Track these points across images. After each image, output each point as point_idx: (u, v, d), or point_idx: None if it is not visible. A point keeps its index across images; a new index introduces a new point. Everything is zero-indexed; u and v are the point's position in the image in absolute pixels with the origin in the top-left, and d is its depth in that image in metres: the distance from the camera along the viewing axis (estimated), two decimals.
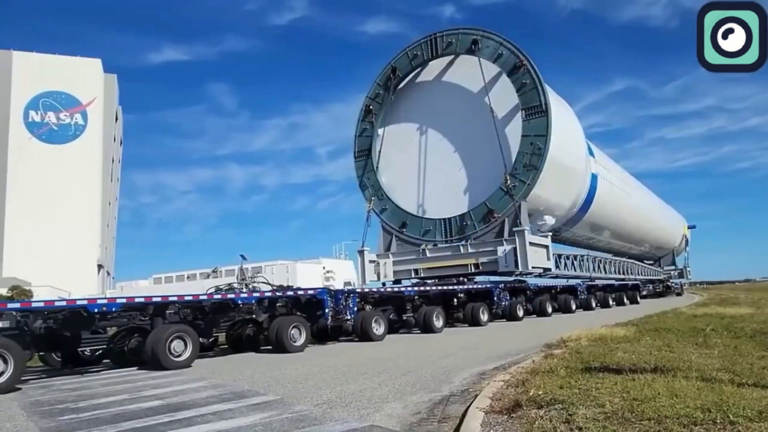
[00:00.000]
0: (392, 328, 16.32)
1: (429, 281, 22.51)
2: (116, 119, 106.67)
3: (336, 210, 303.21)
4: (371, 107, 26.60)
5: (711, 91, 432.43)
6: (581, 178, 26.88)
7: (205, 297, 12.40)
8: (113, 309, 10.39)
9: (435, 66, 25.73)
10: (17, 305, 9.28)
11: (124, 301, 10.90)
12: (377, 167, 26.05)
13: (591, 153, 29.37)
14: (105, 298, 10.85)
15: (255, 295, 13.47)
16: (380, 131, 26.42)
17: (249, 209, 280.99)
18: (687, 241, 56.60)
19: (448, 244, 23.78)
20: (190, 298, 11.94)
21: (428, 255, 24.07)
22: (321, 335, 14.92)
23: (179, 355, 10.42)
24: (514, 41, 23.27)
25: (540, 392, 5.18)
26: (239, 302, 12.81)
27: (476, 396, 5.85)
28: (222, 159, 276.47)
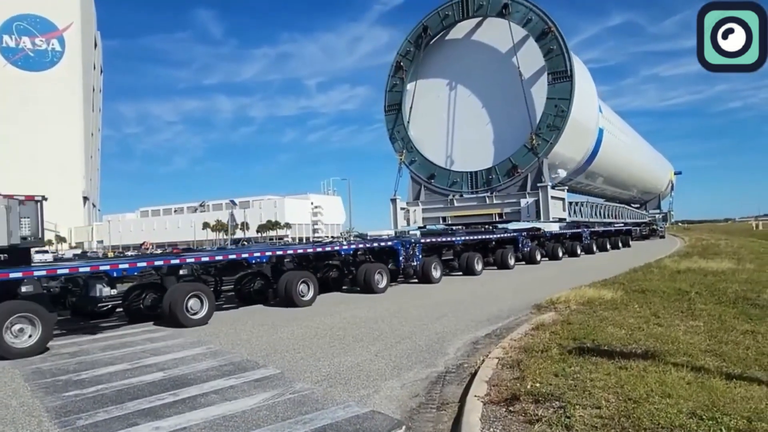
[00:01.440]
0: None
1: (458, 228, 24.60)
2: (95, 46, 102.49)
3: (325, 143, 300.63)
4: (402, 64, 28.34)
5: None
6: (592, 133, 29.16)
7: (312, 249, 15.02)
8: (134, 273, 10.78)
9: (464, 25, 27.24)
10: (43, 272, 9.32)
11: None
12: (408, 122, 28.04)
13: (599, 109, 31.07)
14: (126, 262, 10.79)
15: (352, 246, 15.94)
16: (410, 86, 28.19)
17: (237, 141, 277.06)
18: (672, 186, 61.10)
19: (474, 195, 26.44)
20: (302, 251, 14.69)
21: (456, 204, 26.77)
22: (393, 277, 16.69)
23: (195, 313, 10.73)
24: (543, 7, 24.90)
25: (537, 383, 5.34)
26: (342, 253, 15.46)
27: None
28: (209, 89, 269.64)
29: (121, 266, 10.25)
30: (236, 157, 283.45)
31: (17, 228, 9.56)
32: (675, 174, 59.98)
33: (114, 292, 10.26)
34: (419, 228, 26.54)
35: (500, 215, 25.55)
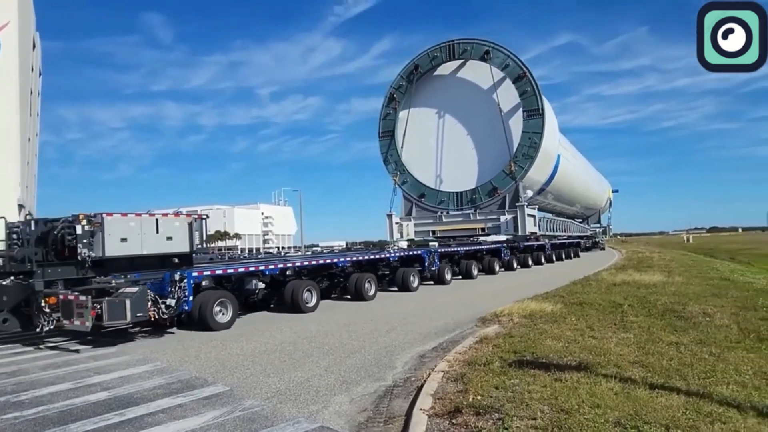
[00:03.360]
0: None
1: (444, 240, 28.83)
2: (34, 47, 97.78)
3: (277, 153, 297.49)
4: (395, 95, 32.76)
5: (648, 50, 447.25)
6: (553, 159, 34.05)
7: (371, 256, 18.60)
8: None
9: (450, 65, 32.03)
10: (232, 270, 13.18)
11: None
12: (401, 146, 32.15)
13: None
14: (271, 263, 14.76)
15: (398, 254, 19.95)
16: (402, 115, 32.50)
17: (186, 149, 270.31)
18: (611, 202, 67.49)
19: (460, 212, 31.05)
20: (366, 257, 18.22)
21: (444, 220, 31.18)
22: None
23: (308, 303, 14.22)
24: (518, 56, 30.22)
25: (478, 396, 5.64)
26: (391, 259, 19.16)
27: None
28: (157, 95, 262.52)
29: (269, 267, 14.14)
30: (184, 165, 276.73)
31: (193, 239, 12.61)
32: (612, 192, 66.68)
33: (263, 285, 14.08)
34: (407, 240, 29.71)
35: (483, 229, 29.85)
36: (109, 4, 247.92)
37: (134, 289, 10.38)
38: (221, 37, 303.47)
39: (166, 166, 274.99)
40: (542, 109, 29.25)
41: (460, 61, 31.55)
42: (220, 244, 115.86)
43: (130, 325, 11.47)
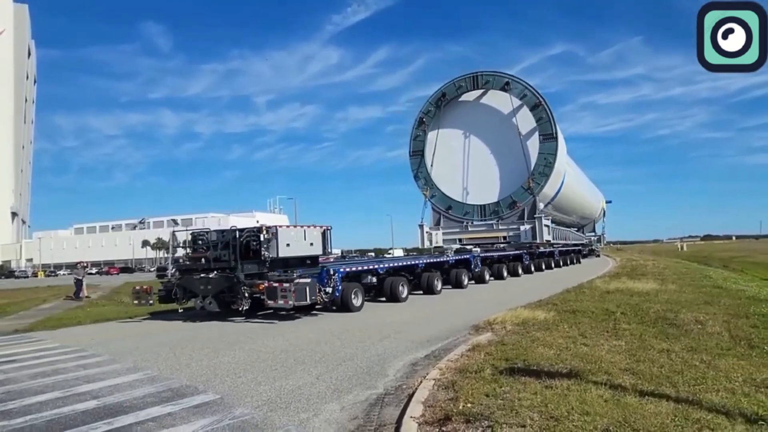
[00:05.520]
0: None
1: (471, 247, 32.14)
2: (29, 55, 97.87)
3: (273, 161, 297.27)
4: (424, 119, 36.64)
5: (642, 60, 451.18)
6: (561, 175, 37.70)
7: (438, 259, 23.27)
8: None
9: (474, 93, 36.10)
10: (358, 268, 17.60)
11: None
12: (431, 164, 35.91)
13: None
14: (383, 263, 20.04)
15: (467, 255, 24.84)
16: (431, 135, 36.29)
17: (182, 157, 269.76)
18: (605, 212, 70.61)
19: (483, 222, 35.12)
20: (434, 260, 22.68)
21: (469, 229, 35.21)
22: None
23: (402, 293, 18.46)
24: (535, 87, 34.43)
25: (469, 404, 5.63)
26: (450, 262, 23.39)
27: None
28: (154, 103, 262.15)
29: (381, 266, 18.58)
30: (180, 173, 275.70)
31: (325, 245, 16.56)
32: (606, 203, 70.84)
33: (375, 281, 17.98)
34: (435, 248, 34.49)
35: (504, 238, 33.82)
36: (107, 12, 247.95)
37: (307, 280, 14.11)
38: (219, 45, 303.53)
39: (161, 174, 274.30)
40: (556, 134, 33.29)
41: (483, 90, 35.48)
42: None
43: (291, 308, 14.22)
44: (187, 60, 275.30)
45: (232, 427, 5.66)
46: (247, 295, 14.13)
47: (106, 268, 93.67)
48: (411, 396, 6.43)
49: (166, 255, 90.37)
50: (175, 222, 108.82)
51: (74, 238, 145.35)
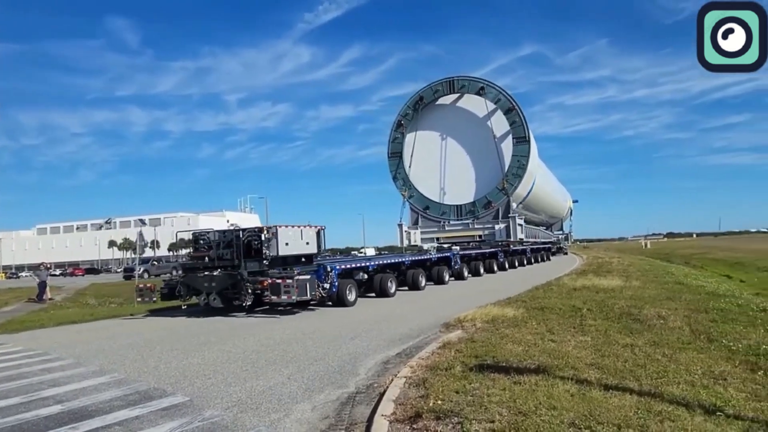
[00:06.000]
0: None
1: (450, 245, 33.40)
2: None
3: (244, 160, 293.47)
4: (402, 122, 37.60)
5: (608, 62, 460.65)
6: (533, 177, 38.77)
7: (419, 257, 24.12)
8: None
9: (450, 96, 37.16)
10: (351, 266, 18.33)
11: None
12: (410, 166, 36.85)
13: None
14: (372, 260, 20.43)
15: (448, 253, 26.34)
16: (409, 137, 37.19)
17: (150, 155, 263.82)
18: (571, 212, 72.48)
19: (460, 222, 35.95)
20: (417, 258, 23.54)
21: (446, 228, 36.02)
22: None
23: (391, 289, 19.32)
24: (509, 92, 35.86)
25: (439, 401, 5.70)
26: (433, 258, 24.55)
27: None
28: (122, 101, 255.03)
29: (370, 263, 19.30)
30: (149, 172, 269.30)
31: (319, 244, 17.65)
32: (573, 202, 73.28)
33: (366, 277, 18.68)
34: (410, 246, 35.70)
35: (480, 237, 34.99)
36: (71, 6, 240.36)
37: (307, 277, 14.97)
38: (189, 42, 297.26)
39: (129, 173, 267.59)
40: (528, 137, 34.63)
41: (459, 94, 36.72)
42: (184, 252, 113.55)
43: (294, 303, 15.33)
44: (156, 57, 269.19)
45: (201, 429, 5.61)
46: (250, 291, 15.06)
47: (71, 269, 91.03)
48: (382, 394, 6.48)
49: (133, 255, 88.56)
50: (142, 222, 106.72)
51: (37, 239, 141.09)
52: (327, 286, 15.71)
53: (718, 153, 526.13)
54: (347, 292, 16.66)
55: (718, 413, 5.13)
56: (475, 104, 36.15)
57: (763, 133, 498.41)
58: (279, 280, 14.63)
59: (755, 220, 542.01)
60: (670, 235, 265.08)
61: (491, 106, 35.27)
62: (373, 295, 19.21)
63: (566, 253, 60.48)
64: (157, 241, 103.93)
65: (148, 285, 17.60)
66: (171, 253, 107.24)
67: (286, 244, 16.04)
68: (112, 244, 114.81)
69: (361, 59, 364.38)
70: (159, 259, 62.14)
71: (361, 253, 66.86)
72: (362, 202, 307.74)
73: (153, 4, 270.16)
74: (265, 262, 15.72)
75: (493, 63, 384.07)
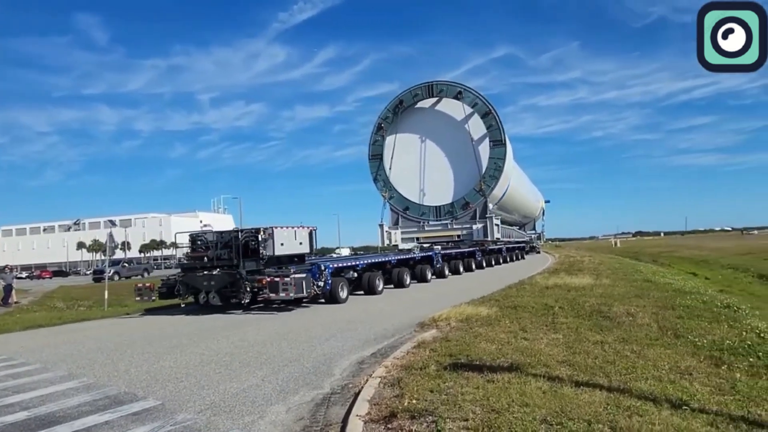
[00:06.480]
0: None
1: (429, 245, 34.42)
2: None
3: (217, 160, 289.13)
4: (382, 125, 38.35)
5: (578, 64, 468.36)
6: (509, 178, 39.87)
7: (402, 256, 25.46)
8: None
9: (429, 100, 38.25)
10: (342, 264, 19.17)
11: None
12: (390, 168, 37.59)
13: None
14: (359, 260, 21.05)
15: (430, 253, 27.34)
16: (389, 140, 38.03)
17: (120, 155, 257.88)
18: (544, 211, 74.32)
19: (439, 222, 36.84)
20: (402, 257, 24.95)
21: (426, 228, 36.96)
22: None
23: (379, 287, 20.08)
24: (486, 96, 36.83)
25: (413, 400, 5.73)
26: (417, 258, 25.71)
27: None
28: (90, 99, 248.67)
29: (359, 262, 20.20)
30: (119, 172, 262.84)
31: (311, 244, 18.38)
32: (545, 202, 75.30)
33: (355, 275, 19.48)
34: (389, 246, 36.80)
35: (458, 236, 35.85)
36: (38, 2, 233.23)
37: (302, 275, 15.59)
38: (160, 40, 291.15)
39: (98, 173, 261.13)
40: (504, 140, 35.55)
41: (437, 98, 37.73)
42: (156, 253, 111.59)
43: (291, 300, 16.05)
44: (126, 54, 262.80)
45: None
46: (248, 289, 15.67)
47: (38, 271, 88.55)
48: (356, 394, 6.49)
49: (103, 257, 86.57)
50: (112, 223, 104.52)
51: (2, 240, 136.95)
52: (321, 283, 16.42)
53: (684, 153, 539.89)
54: (339, 289, 17.40)
55: (684, 407, 5.28)
56: (453, 108, 37.14)
57: (726, 135, 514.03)
58: (277, 278, 15.24)
59: (720, 218, 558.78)
60: (639, 233, 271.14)
61: (469, 109, 36.13)
62: (362, 292, 19.87)
63: (539, 252, 61.74)
64: (128, 243, 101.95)
65: (147, 284, 17.88)
66: (142, 254, 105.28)
67: (282, 244, 16.79)
68: (81, 245, 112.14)
69: (336, 60, 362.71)
70: (130, 261, 60.93)
71: (336, 253, 66.70)
72: (337, 203, 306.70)
73: (124, 1, 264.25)
74: (261, 261, 16.39)
75: (467, 64, 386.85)
